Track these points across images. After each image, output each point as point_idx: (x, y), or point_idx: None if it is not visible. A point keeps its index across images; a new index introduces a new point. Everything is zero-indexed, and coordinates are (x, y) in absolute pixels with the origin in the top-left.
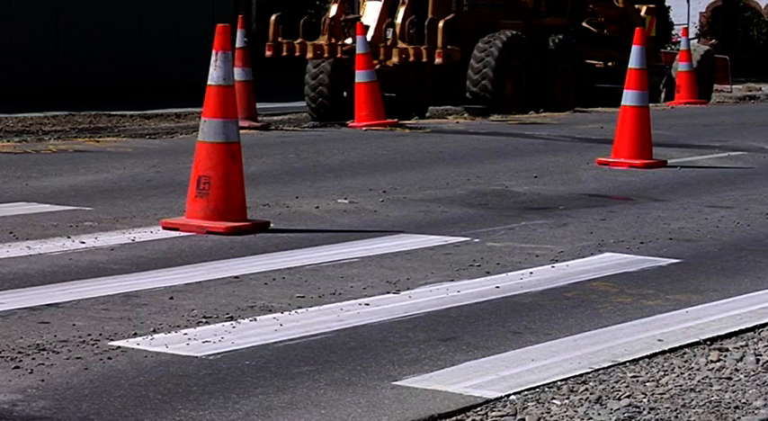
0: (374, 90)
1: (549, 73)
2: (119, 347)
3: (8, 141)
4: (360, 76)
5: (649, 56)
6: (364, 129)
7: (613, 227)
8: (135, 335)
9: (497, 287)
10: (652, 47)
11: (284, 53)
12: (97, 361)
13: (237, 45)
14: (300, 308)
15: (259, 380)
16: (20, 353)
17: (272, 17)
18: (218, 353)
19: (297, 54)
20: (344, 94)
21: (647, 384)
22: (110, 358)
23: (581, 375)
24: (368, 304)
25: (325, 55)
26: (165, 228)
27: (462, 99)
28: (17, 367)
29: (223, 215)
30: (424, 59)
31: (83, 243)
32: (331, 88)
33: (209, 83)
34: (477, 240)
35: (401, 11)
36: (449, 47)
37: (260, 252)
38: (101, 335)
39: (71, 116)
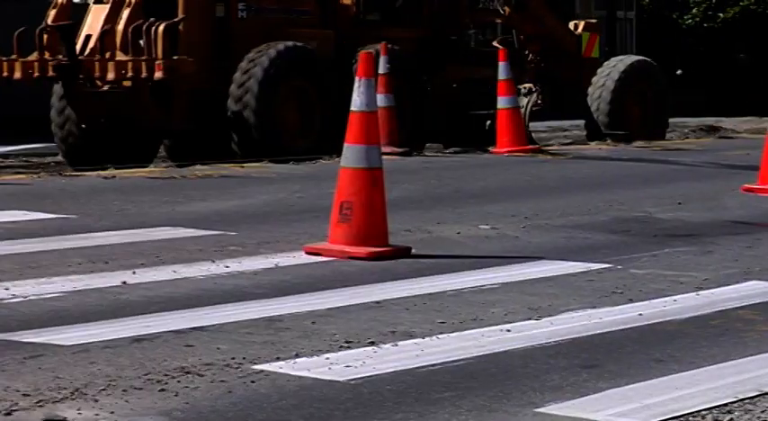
0: (516, 116)
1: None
2: (262, 371)
3: (155, 166)
4: (502, 103)
5: (581, 79)
6: (506, 155)
7: (760, 254)
8: (278, 359)
9: (640, 314)
10: (587, 68)
11: None
12: (241, 384)
13: (380, 71)
14: (441, 333)
15: (400, 405)
16: (165, 375)
17: None
18: (360, 378)
19: (5, 74)
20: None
21: None
22: (253, 381)
23: (726, 404)
24: (509, 330)
25: (35, 74)
26: (307, 253)
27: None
28: (162, 389)
29: (365, 240)
30: (143, 74)
31: (227, 267)
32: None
33: (351, 109)
34: (619, 267)
35: (124, 15)
36: (175, 58)
37: (401, 277)
38: (244, 358)
39: None
